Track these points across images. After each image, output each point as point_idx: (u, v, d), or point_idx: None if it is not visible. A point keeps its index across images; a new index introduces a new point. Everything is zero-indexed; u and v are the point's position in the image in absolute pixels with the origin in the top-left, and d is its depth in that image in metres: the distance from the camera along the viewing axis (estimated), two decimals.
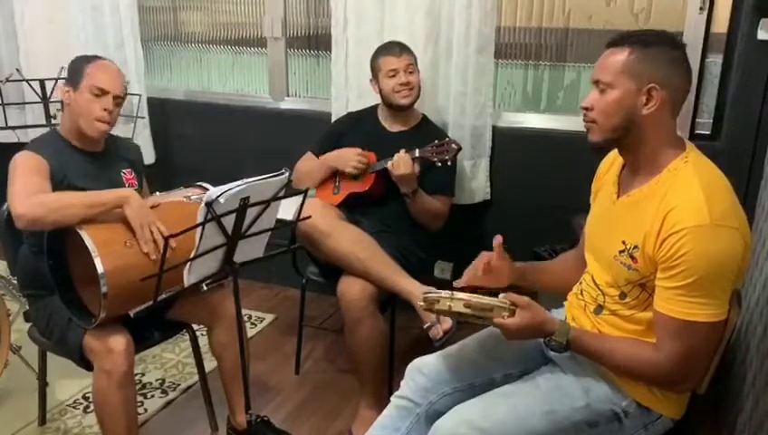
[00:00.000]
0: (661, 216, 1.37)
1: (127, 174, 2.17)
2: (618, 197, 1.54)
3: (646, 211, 1.41)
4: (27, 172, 1.92)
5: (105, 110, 2.01)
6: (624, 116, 1.43)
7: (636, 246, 1.43)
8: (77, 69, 2.04)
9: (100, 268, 1.76)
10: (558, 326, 1.46)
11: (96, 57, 2.10)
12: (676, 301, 1.36)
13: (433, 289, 1.54)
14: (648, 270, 1.42)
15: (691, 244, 1.32)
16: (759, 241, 1.96)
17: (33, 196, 1.83)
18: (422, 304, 1.53)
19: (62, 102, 2.10)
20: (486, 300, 1.45)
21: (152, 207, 1.93)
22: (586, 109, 1.48)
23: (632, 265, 1.44)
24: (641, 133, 1.44)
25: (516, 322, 1.43)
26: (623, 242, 1.46)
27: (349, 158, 2.51)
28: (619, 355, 1.45)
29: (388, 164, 2.40)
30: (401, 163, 2.37)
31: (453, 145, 2.41)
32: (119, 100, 2.06)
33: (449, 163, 2.41)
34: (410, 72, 2.53)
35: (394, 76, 2.53)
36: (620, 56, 1.42)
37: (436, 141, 2.42)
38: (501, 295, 1.47)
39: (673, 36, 1.46)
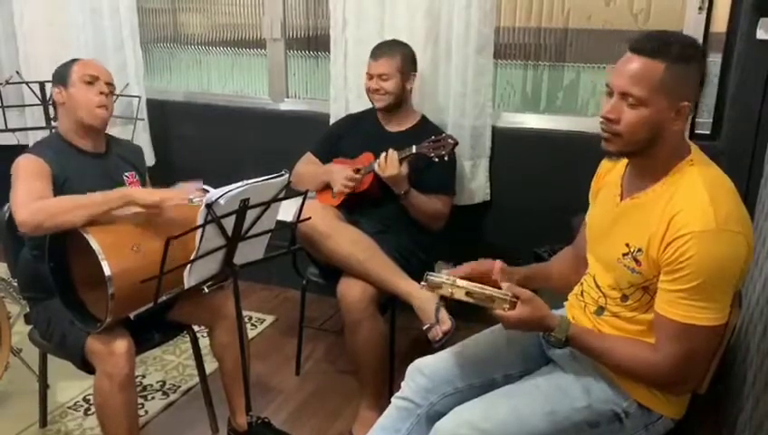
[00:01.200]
0: (667, 219, 1.36)
1: (130, 177, 2.17)
2: (621, 199, 1.54)
3: (651, 214, 1.41)
4: (29, 177, 1.93)
5: (101, 93, 2.05)
6: (650, 130, 1.38)
7: (640, 249, 1.42)
8: (62, 72, 2.10)
9: (107, 271, 1.76)
10: (558, 322, 1.46)
11: (77, 59, 2.14)
12: (678, 304, 1.36)
13: (434, 273, 1.52)
14: (652, 273, 1.41)
15: (696, 247, 1.31)
16: (759, 240, 1.96)
17: (34, 202, 1.84)
18: (424, 284, 1.51)
19: (54, 106, 2.12)
20: (488, 290, 1.44)
21: None
22: (610, 120, 1.41)
23: (636, 267, 1.44)
24: (660, 145, 1.41)
25: (516, 314, 1.43)
26: (627, 245, 1.45)
27: (339, 180, 2.50)
28: (617, 354, 1.45)
29: (375, 165, 2.40)
30: (388, 165, 2.36)
31: (449, 140, 2.40)
32: (110, 87, 2.10)
33: (446, 158, 2.40)
34: (384, 80, 2.52)
35: (370, 79, 2.54)
36: (656, 71, 1.35)
37: (433, 137, 2.42)
38: (504, 286, 1.46)
39: (700, 47, 1.41)
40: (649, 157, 1.44)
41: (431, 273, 1.51)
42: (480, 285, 1.45)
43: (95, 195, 1.90)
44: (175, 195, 1.89)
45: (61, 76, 2.08)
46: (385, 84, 2.52)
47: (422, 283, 1.53)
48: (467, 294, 1.44)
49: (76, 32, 3.29)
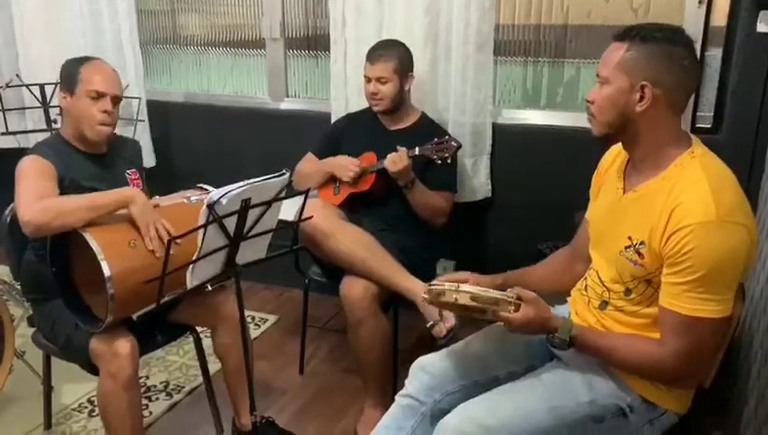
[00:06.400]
0: (668, 211, 1.36)
1: (131, 174, 2.18)
2: (624, 192, 1.54)
3: (652, 206, 1.41)
4: (33, 176, 1.92)
5: (105, 111, 2.03)
6: (618, 112, 1.43)
7: (642, 242, 1.42)
8: (70, 74, 2.05)
9: (106, 271, 1.76)
10: (561, 323, 1.46)
11: (87, 58, 2.10)
12: (682, 297, 1.35)
13: (437, 281, 1.54)
14: (654, 266, 1.41)
15: (698, 240, 1.31)
16: (762, 233, 1.96)
17: (37, 202, 1.83)
18: (426, 296, 1.53)
19: (60, 108, 2.11)
20: (492, 293, 1.45)
21: (155, 208, 1.93)
22: (589, 101, 1.49)
23: (638, 260, 1.44)
24: (638, 130, 1.44)
25: (520, 316, 1.43)
26: (629, 237, 1.45)
27: (345, 166, 2.51)
28: (622, 352, 1.45)
29: (386, 163, 2.39)
30: (397, 159, 2.36)
31: (452, 143, 2.41)
32: (117, 100, 2.08)
33: (449, 161, 2.41)
34: (383, 83, 2.50)
35: (368, 83, 2.53)
36: (619, 51, 1.42)
37: (436, 139, 2.42)
38: (508, 290, 1.47)
39: (676, 31, 1.43)
40: (640, 145, 1.46)
41: (433, 282, 1.52)
42: (483, 289, 1.46)
43: (98, 194, 1.90)
44: (167, 228, 1.87)
45: (68, 80, 2.04)
46: (383, 88, 2.51)
47: (423, 294, 1.53)
48: (472, 298, 1.44)
49: (75, 34, 3.29)
